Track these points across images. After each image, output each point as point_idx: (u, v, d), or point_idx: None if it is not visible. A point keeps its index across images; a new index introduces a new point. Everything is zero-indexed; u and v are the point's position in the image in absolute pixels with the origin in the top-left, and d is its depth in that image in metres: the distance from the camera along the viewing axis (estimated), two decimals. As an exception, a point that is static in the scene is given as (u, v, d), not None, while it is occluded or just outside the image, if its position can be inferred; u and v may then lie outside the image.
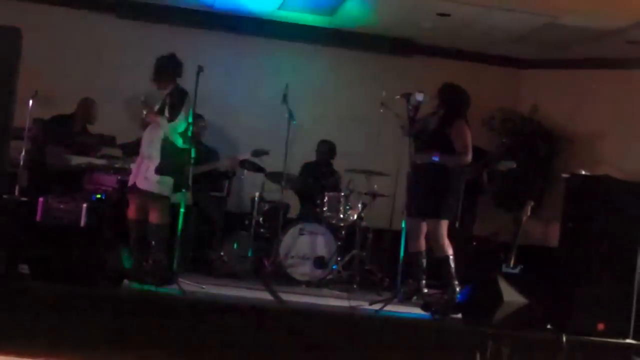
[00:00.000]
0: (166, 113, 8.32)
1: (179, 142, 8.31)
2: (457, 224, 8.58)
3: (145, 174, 8.33)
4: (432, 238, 8.38)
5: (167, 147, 8.31)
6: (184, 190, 8.10)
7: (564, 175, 8.24)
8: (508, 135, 11.87)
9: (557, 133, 11.95)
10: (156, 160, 8.28)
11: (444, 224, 8.35)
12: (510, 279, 7.58)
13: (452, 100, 8.53)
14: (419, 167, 8.29)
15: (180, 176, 8.19)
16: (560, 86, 12.11)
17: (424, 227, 8.44)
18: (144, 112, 8.43)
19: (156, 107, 8.41)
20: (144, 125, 8.51)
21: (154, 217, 8.38)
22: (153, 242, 8.40)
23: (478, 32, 11.26)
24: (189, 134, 8.25)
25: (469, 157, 8.39)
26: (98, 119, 10.27)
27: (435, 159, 8.29)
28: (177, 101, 8.32)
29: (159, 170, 8.26)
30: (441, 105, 8.52)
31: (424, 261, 8.47)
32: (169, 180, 8.26)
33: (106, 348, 6.57)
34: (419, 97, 8.29)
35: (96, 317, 6.74)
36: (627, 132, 11.51)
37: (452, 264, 8.30)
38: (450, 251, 8.32)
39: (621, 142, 11.53)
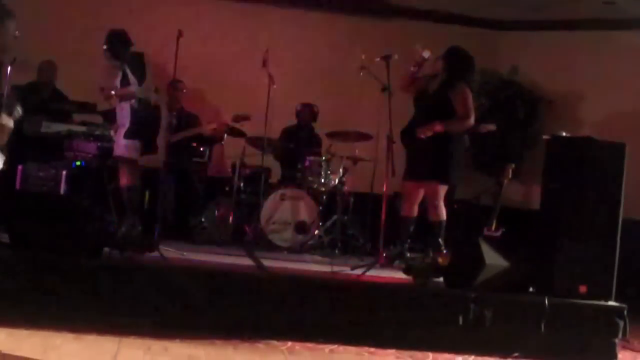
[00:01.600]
0: (131, 80, 8.38)
1: (154, 98, 8.40)
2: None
3: (118, 141, 8.43)
4: (431, 202, 8.35)
5: (136, 111, 8.35)
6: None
7: (544, 137, 8.23)
8: (487, 97, 11.83)
9: (536, 94, 11.95)
10: (127, 126, 8.37)
11: (444, 189, 8.34)
12: (492, 242, 7.60)
13: (458, 64, 8.43)
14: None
15: (148, 138, 8.25)
16: (539, 48, 12.11)
17: (422, 192, 8.42)
18: (112, 93, 8.46)
19: (118, 80, 8.46)
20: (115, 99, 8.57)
21: (123, 180, 8.47)
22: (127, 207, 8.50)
23: (457, -6, 11.25)
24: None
25: (472, 121, 8.32)
26: (65, 83, 10.20)
27: (439, 128, 8.22)
28: (137, 64, 8.40)
29: (126, 135, 8.35)
30: (445, 68, 8.44)
31: (412, 227, 8.47)
32: (136, 144, 8.31)
33: (89, 316, 6.57)
34: (425, 54, 8.26)
35: (77, 286, 6.74)
36: (606, 93, 11.53)
37: (443, 229, 8.31)
38: (444, 216, 8.32)
39: (601, 103, 11.55)
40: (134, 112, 8.38)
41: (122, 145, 8.39)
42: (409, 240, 8.50)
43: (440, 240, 8.26)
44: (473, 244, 7.48)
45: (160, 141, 8.44)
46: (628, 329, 7.35)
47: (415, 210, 8.48)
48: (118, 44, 8.48)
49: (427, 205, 8.44)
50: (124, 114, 8.42)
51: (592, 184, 7.68)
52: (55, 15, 11.07)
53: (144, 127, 8.32)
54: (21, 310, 6.48)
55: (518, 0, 11.15)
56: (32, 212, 7.16)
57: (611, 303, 7.48)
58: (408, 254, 8.42)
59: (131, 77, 8.43)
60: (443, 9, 12.05)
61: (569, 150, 7.86)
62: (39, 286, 6.64)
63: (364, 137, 10.00)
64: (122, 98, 8.47)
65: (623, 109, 11.42)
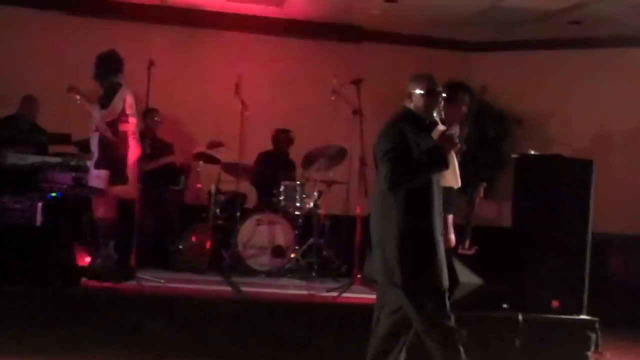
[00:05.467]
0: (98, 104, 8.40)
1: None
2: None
3: (90, 171, 8.43)
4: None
5: (103, 141, 8.35)
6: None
7: (514, 155, 8.34)
8: (459, 118, 11.89)
9: (506, 113, 12.07)
10: (96, 155, 8.36)
11: None
12: (466, 260, 7.69)
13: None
14: None
15: (117, 169, 8.23)
16: (507, 68, 12.21)
17: None
18: (77, 98, 8.45)
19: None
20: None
21: (97, 211, 8.45)
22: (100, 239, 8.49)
23: (425, 17, 11.33)
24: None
25: None
26: (41, 115, 10.22)
27: None
28: (108, 91, 8.34)
29: (96, 164, 8.34)
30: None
31: None
32: (105, 174, 8.30)
33: (67, 346, 6.61)
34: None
35: (55, 316, 6.79)
36: (574, 110, 11.67)
37: None
38: None
39: (568, 121, 11.69)
40: (101, 141, 8.34)
41: (93, 176, 8.36)
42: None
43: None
44: (446, 263, 7.57)
45: (133, 171, 8.43)
46: (600, 341, 7.48)
47: None
48: (101, 67, 8.48)
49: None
50: (94, 142, 8.41)
51: (561, 200, 7.81)
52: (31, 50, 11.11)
53: (111, 156, 8.30)
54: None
55: (486, 21, 11.28)
56: (9, 244, 7.21)
57: (583, 317, 7.60)
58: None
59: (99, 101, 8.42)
60: (412, 32, 12.15)
61: (538, 168, 7.99)
62: (17, 318, 6.70)
63: (339, 153, 10.02)
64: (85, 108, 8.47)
65: (590, 126, 11.58)
